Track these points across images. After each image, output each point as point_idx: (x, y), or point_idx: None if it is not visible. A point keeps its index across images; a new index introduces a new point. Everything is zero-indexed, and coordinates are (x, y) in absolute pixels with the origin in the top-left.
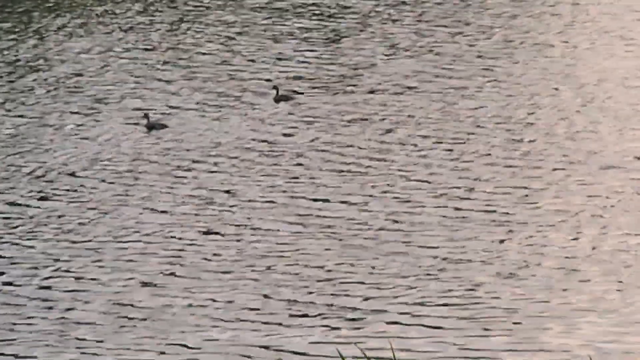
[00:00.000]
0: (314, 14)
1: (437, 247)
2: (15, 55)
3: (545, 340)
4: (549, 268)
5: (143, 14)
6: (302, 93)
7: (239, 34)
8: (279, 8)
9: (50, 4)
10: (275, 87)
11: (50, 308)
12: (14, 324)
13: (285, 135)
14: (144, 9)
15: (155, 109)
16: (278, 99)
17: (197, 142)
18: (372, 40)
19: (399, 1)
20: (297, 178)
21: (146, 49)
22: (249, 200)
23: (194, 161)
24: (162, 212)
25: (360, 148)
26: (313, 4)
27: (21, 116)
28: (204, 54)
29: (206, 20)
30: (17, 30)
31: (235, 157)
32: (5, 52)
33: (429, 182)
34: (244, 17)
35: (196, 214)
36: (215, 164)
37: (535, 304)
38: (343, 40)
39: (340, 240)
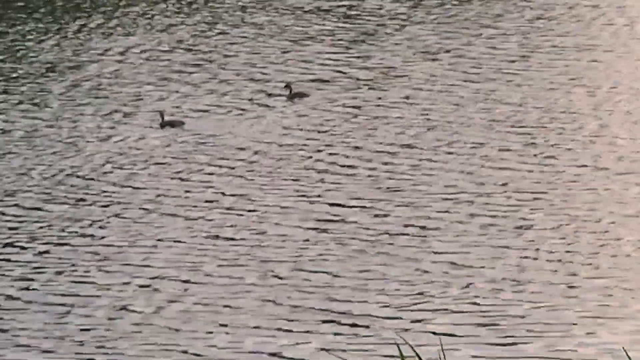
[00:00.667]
0: (340, 16)
1: (451, 253)
2: (46, 56)
3: (568, 348)
4: (567, 274)
5: (176, 15)
6: (308, 95)
7: (267, 35)
8: (309, 10)
9: (83, 5)
10: (287, 86)
11: (67, 313)
12: (15, 328)
13: (296, 134)
14: (178, 10)
15: (176, 109)
16: (291, 97)
17: (208, 139)
18: (395, 43)
19: (423, 4)
20: (309, 179)
21: (174, 50)
22: (259, 201)
23: (205, 159)
24: (173, 214)
25: (378, 149)
26: (340, 6)
27: (56, 118)
28: (231, 55)
29: (237, 22)
30: (48, 30)
31: (242, 156)
32: (36, 53)
33: (449, 186)
34: (273, 19)
35: (207, 215)
36: (223, 161)
37: (556, 311)
38: (367, 42)
39: (352, 244)
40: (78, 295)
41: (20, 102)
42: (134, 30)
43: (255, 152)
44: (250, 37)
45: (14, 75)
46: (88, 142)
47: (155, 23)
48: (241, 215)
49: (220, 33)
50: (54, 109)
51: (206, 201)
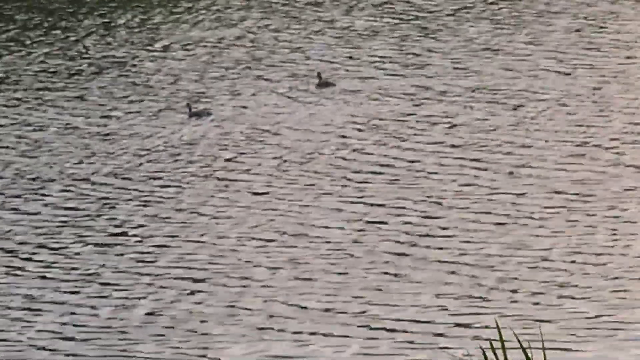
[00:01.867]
0: (406, 12)
1: (489, 257)
2: (107, 52)
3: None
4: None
5: (242, 10)
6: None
7: (336, 29)
8: (376, 5)
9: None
10: (318, 74)
11: (96, 312)
12: (57, 323)
13: (325, 125)
14: (240, 5)
15: (230, 101)
16: (320, 85)
17: (232, 129)
18: (445, 40)
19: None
20: (339, 176)
21: (238, 45)
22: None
23: (232, 150)
24: (198, 211)
25: (430, 148)
26: (401, 2)
27: (111, 114)
28: (294, 49)
29: (301, 17)
30: (110, 26)
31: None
32: (97, 49)
33: (487, 187)
34: (331, 15)
35: (232, 215)
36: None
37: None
38: (428, 37)
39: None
40: (112, 295)
41: (79, 97)
42: (196, 25)
43: (297, 144)
44: (317, 33)
45: (75, 71)
46: (141, 137)
47: (223, 17)
48: (280, 215)
49: (285, 28)
50: (111, 104)
51: (226, 198)
